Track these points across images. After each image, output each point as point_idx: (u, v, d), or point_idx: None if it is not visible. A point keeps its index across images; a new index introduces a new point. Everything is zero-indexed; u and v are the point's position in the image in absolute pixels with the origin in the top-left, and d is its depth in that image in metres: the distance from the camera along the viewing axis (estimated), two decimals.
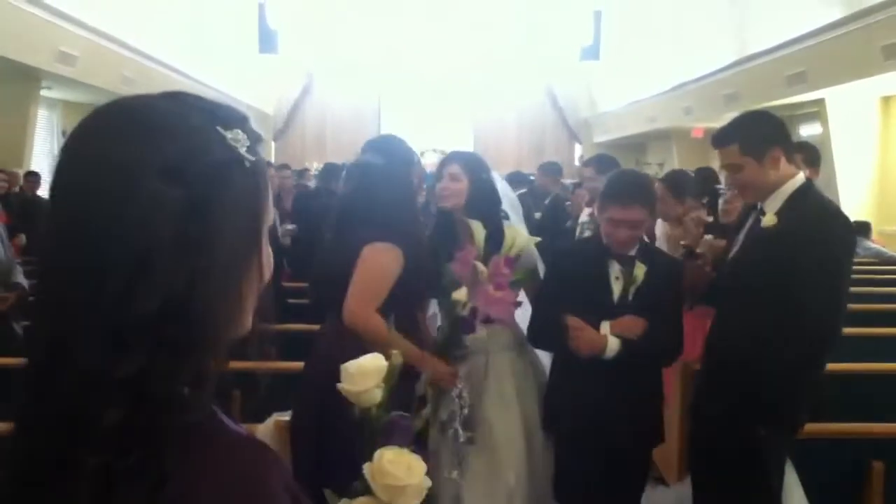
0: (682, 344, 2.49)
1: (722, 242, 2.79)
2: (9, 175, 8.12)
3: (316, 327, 2.75)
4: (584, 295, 2.44)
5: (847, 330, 2.44)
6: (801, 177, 2.42)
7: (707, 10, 10.83)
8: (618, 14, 14.68)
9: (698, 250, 2.73)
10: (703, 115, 11.47)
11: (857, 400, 3.11)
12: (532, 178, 8.12)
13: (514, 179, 6.90)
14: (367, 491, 1.10)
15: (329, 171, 6.89)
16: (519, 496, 2.51)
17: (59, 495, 0.63)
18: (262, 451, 0.69)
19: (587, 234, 4.47)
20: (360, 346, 2.15)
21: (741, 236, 2.53)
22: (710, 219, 3.66)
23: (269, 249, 0.75)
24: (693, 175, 4.42)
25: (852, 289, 2.81)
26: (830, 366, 2.49)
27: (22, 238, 6.95)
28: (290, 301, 4.93)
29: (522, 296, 2.64)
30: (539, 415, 2.59)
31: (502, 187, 2.77)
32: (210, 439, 0.67)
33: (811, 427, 2.44)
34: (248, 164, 0.70)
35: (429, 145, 14.19)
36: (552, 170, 7.28)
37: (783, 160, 2.37)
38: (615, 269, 2.45)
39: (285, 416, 2.51)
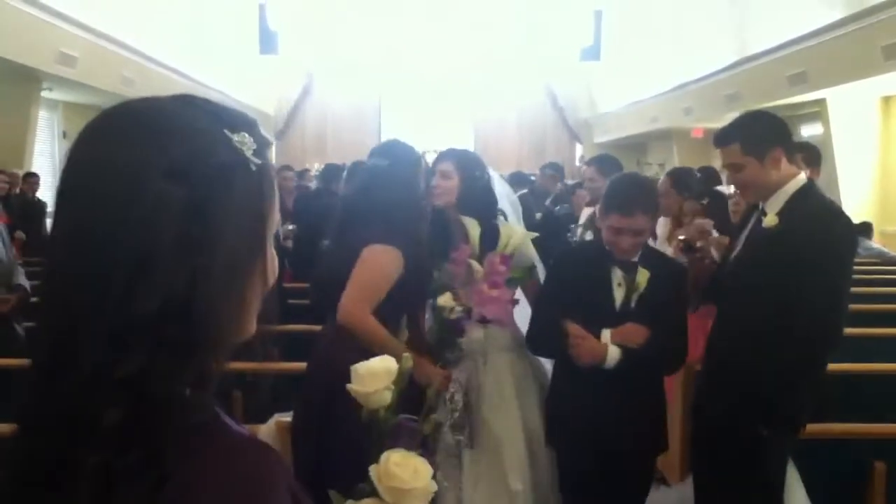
0: (687, 351, 2.45)
1: (726, 239, 2.78)
2: (9, 176, 8.12)
3: (317, 328, 2.75)
4: (585, 301, 2.39)
5: (849, 330, 2.44)
6: (802, 177, 2.41)
7: (707, 10, 10.83)
8: (618, 14, 14.68)
9: (698, 244, 2.71)
10: (704, 115, 11.47)
11: (859, 400, 3.12)
12: (533, 178, 8.14)
13: (515, 180, 6.93)
14: (372, 493, 1.10)
15: (330, 171, 6.90)
16: (523, 502, 2.48)
17: (59, 495, 0.62)
18: (263, 451, 0.68)
19: (588, 235, 4.46)
20: (361, 347, 2.15)
21: (743, 236, 2.52)
22: (712, 223, 3.65)
23: (275, 253, 0.75)
24: (698, 174, 4.42)
25: (854, 289, 2.80)
26: (832, 366, 2.49)
27: (22, 235, 6.95)
28: (291, 302, 4.93)
29: (520, 294, 2.63)
30: (541, 417, 2.57)
31: (501, 187, 2.75)
32: (212, 440, 0.66)
33: (813, 427, 2.43)
34: (253, 167, 0.70)
35: (429, 146, 14.17)
36: (553, 170, 7.27)
37: (784, 160, 2.36)
38: (617, 275, 2.39)
39: (287, 417, 2.52)
